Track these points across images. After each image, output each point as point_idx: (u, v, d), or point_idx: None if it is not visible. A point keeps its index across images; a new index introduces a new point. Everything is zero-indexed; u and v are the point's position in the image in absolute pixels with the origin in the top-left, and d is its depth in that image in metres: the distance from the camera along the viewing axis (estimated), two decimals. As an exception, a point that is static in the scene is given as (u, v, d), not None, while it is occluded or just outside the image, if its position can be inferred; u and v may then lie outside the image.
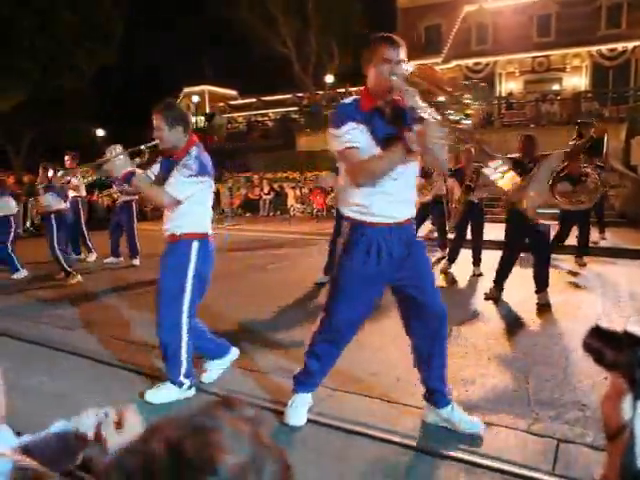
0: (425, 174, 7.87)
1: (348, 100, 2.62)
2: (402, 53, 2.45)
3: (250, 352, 4.16)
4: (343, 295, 2.70)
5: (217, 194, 17.37)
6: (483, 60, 23.26)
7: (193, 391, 3.35)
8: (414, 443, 2.73)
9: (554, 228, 7.22)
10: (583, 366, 3.55)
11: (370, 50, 2.49)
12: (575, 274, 7.09)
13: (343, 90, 21.89)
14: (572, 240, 7.67)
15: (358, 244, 2.59)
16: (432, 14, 25.10)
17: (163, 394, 3.27)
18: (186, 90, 36.37)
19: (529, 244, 5.52)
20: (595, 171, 7.27)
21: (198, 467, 0.52)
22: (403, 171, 2.51)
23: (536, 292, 5.39)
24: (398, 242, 2.60)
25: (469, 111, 2.28)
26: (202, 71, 33.25)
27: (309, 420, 2.97)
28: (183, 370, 3.27)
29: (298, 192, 15.79)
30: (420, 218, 8.47)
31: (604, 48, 21.33)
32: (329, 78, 23.68)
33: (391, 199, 2.53)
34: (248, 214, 16.09)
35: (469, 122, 2.27)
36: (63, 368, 3.94)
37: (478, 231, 6.96)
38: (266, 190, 16.27)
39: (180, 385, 3.28)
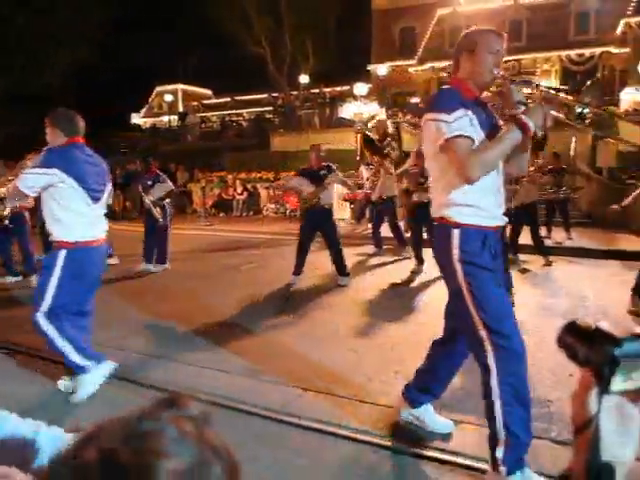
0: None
1: (448, 87, 2.42)
2: (504, 47, 2.31)
3: (220, 352, 4.13)
4: (499, 310, 2.27)
5: (189, 194, 17.22)
6: (456, 63, 23.55)
7: (107, 366, 3.35)
8: (386, 442, 2.74)
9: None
10: (547, 363, 3.63)
11: (472, 39, 2.31)
12: (541, 274, 7.23)
13: (317, 91, 21.91)
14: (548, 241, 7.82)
15: (482, 252, 2.27)
16: (407, 16, 25.30)
17: (81, 388, 3.26)
18: (159, 89, 36.01)
19: None
20: (537, 174, 7.57)
21: (134, 476, 0.50)
22: (498, 167, 2.32)
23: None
24: (501, 248, 2.40)
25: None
26: (176, 70, 32.89)
27: (281, 421, 2.96)
28: (74, 356, 3.26)
29: (271, 192, 15.74)
30: (377, 218, 8.60)
31: (573, 53, 21.84)
32: (304, 78, 23.67)
33: (500, 199, 2.36)
34: (221, 214, 15.97)
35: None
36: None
37: (429, 231, 7.04)
38: (239, 190, 16.17)
39: (85, 370, 3.27)
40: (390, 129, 10.20)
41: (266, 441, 2.77)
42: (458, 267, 2.28)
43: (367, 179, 11.31)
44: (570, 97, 2.32)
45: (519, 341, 2.25)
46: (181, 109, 33.15)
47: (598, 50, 21.31)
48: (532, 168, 7.14)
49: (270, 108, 25.22)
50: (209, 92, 36.38)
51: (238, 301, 5.71)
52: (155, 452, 0.51)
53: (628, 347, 0.51)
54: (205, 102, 34.91)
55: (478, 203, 2.27)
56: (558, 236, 9.41)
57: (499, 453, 2.24)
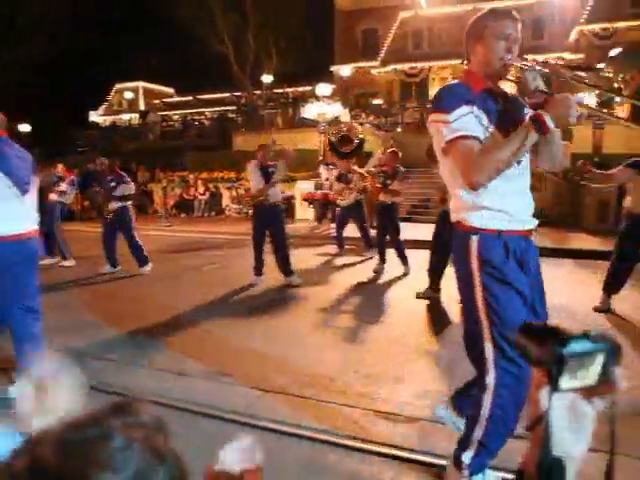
0: (343, 178, 8.09)
1: (453, 82, 2.15)
2: (519, 30, 2.03)
3: (180, 355, 4.05)
4: (506, 324, 2.03)
5: (150, 194, 16.91)
6: (418, 65, 23.89)
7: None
8: (345, 441, 2.74)
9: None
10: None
11: (478, 25, 2.06)
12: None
13: (281, 90, 21.85)
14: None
15: (505, 260, 2.04)
16: (369, 18, 25.50)
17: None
18: (119, 86, 35.19)
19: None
20: None
21: None
22: (525, 165, 2.08)
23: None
24: (532, 254, 2.12)
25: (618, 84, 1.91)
26: (137, 67, 32.22)
27: (240, 422, 2.92)
28: None
29: (234, 192, 15.60)
30: (342, 220, 8.65)
31: (530, 57, 22.40)
32: (267, 78, 23.57)
33: (525, 201, 2.11)
34: (183, 215, 15.73)
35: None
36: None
37: (394, 232, 7.14)
38: (201, 190, 15.96)
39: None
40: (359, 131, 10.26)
41: (225, 444, 2.72)
42: (476, 278, 2.06)
43: (326, 179, 11.36)
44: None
45: (526, 367, 2.01)
46: (142, 107, 32.51)
47: (553, 56, 21.96)
48: None
49: (233, 107, 24.99)
50: (171, 90, 35.80)
51: (199, 302, 5.63)
52: (95, 462, 0.48)
53: (574, 347, 0.53)
54: (167, 100, 34.33)
55: (498, 205, 2.02)
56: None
57: (466, 458, 2.18)
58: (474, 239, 2.06)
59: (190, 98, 31.77)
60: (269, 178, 6.36)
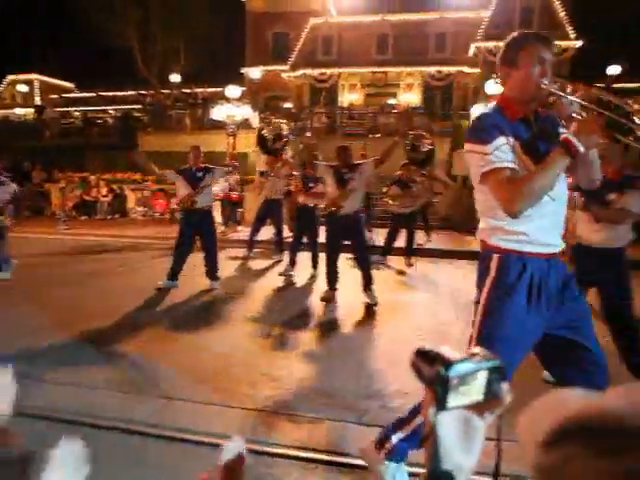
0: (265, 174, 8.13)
1: (489, 109, 2.12)
2: (553, 54, 2.01)
3: (80, 367, 3.83)
4: (505, 348, 2.04)
5: (47, 195, 15.84)
6: (328, 71, 24.33)
7: None
8: (252, 446, 2.73)
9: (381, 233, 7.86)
10: (404, 357, 3.87)
11: (513, 50, 2.02)
12: (403, 274, 7.73)
13: (189, 90, 21.34)
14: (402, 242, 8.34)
15: (518, 282, 2.06)
16: (281, 22, 25.59)
17: None
18: (11, 77, 32.66)
19: (351, 245, 5.84)
20: (423, 179, 8.15)
21: None
22: (560, 189, 2.06)
23: (363, 291, 5.77)
24: (555, 277, 2.10)
25: None
26: (33, 59, 30.09)
27: (144, 433, 2.82)
28: None
29: (139, 194, 15.00)
30: (260, 219, 8.63)
31: (433, 70, 23.62)
32: (175, 77, 22.92)
33: (549, 224, 2.07)
34: (84, 217, 14.88)
35: None
36: None
37: (311, 234, 7.24)
38: (104, 191, 15.19)
39: None
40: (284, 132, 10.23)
41: (127, 456, 2.62)
42: (486, 291, 2.12)
43: (225, 180, 11.29)
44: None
45: None
46: (38, 102, 30.41)
47: (454, 69, 23.28)
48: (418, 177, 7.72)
49: (138, 106, 24.01)
50: (71, 85, 33.79)
51: (99, 309, 5.35)
52: None
53: (458, 368, 0.57)
54: (66, 96, 32.34)
55: (522, 228, 2.03)
56: (419, 238, 10.09)
57: (395, 438, 2.25)
58: (495, 257, 2.10)
59: (92, 94, 30.16)
60: (197, 182, 6.20)
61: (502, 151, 1.94)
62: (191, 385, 3.47)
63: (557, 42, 20.83)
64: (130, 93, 26.65)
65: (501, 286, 2.08)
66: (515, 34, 2.05)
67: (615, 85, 18.13)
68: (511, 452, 0.73)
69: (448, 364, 0.57)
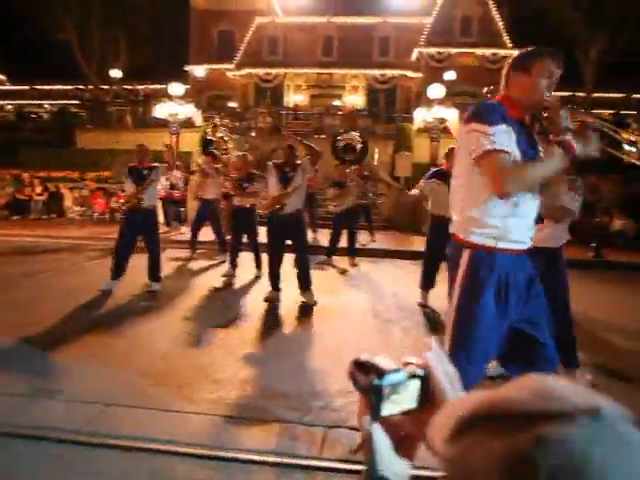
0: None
1: (493, 102, 2.24)
2: (559, 69, 2.15)
3: (11, 374, 3.66)
4: (478, 348, 2.13)
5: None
6: (273, 71, 24.27)
7: None
8: (195, 450, 2.70)
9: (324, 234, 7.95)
10: (347, 357, 3.93)
11: (529, 59, 2.15)
12: (347, 274, 7.84)
13: (130, 87, 20.71)
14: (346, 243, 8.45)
15: (487, 278, 2.12)
16: (226, 20, 25.28)
17: None
18: None
19: (292, 245, 5.86)
20: (356, 178, 8.37)
21: None
22: (535, 194, 2.19)
23: (300, 292, 5.80)
24: (523, 273, 2.20)
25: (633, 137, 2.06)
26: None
27: (81, 442, 2.73)
28: None
29: (77, 194, 14.43)
30: (198, 220, 8.53)
31: (377, 73, 24.02)
32: (115, 73, 22.19)
33: (524, 224, 2.18)
34: (16, 217, 14.16)
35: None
36: None
37: (251, 235, 7.23)
38: (39, 190, 14.52)
39: None
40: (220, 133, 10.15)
41: (64, 467, 2.54)
42: (458, 287, 2.19)
43: (166, 179, 11.10)
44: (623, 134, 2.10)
45: (473, 381, 2.15)
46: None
47: (397, 72, 23.77)
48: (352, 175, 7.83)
49: (77, 102, 23.08)
50: (2, 77, 32.04)
51: (33, 313, 5.12)
52: None
53: (391, 378, 0.59)
54: (-4, 88, 30.67)
55: (497, 223, 2.13)
56: (363, 239, 10.24)
57: None
58: (466, 252, 2.18)
59: (26, 87, 28.72)
60: (143, 180, 6.06)
61: (505, 137, 2.05)
62: (130, 389, 3.39)
63: (495, 50, 21.69)
64: (68, 87, 25.57)
65: (471, 283, 2.15)
66: (534, 47, 2.20)
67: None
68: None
69: (382, 374, 0.60)
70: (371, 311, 5.65)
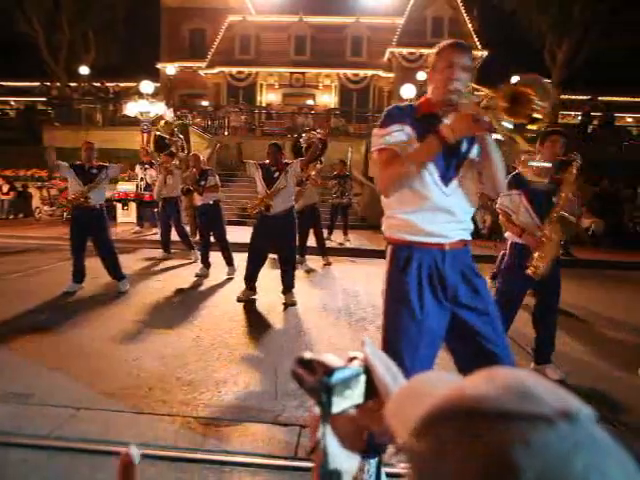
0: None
1: (402, 103, 2.31)
2: (468, 59, 2.15)
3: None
4: (407, 348, 2.11)
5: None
6: (246, 70, 24.13)
7: None
8: (167, 452, 2.67)
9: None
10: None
11: (434, 55, 2.20)
12: (321, 273, 7.85)
13: (99, 84, 20.30)
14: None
15: (406, 270, 2.13)
16: (197, 18, 25.03)
17: None
18: None
19: (278, 246, 5.85)
20: (312, 177, 8.39)
21: None
22: (456, 188, 2.16)
23: (282, 292, 5.79)
24: (454, 267, 2.16)
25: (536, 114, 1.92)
26: None
27: (50, 447, 2.67)
28: None
29: (45, 193, 14.10)
30: (165, 221, 8.43)
31: (349, 72, 24.10)
32: (84, 69, 21.74)
33: (441, 218, 2.14)
34: (-19, 217, 13.79)
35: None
36: None
37: (218, 232, 7.18)
38: (5, 189, 14.15)
39: None
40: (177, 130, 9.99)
41: (31, 474, 2.48)
42: (385, 281, 2.21)
43: (141, 179, 10.94)
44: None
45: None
46: None
47: (370, 72, 23.90)
48: (313, 172, 7.74)
49: (44, 99, 22.50)
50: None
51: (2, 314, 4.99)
52: None
53: (338, 375, 0.59)
54: (-41, 84, 29.73)
55: (411, 217, 2.15)
56: (338, 238, 10.27)
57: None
58: (389, 249, 2.24)
59: (-10, 84, 27.93)
60: (89, 179, 5.92)
61: (392, 136, 2.11)
62: (101, 393, 3.33)
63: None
64: (34, 84, 24.91)
65: (393, 278, 2.18)
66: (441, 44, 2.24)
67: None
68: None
69: (330, 371, 0.59)
70: (345, 310, 5.67)
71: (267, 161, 5.78)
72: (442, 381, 0.51)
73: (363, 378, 0.62)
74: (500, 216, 4.02)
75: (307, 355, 0.61)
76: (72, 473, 2.49)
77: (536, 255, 3.64)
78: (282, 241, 5.75)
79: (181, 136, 9.05)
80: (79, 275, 6.04)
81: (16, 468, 2.49)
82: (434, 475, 0.43)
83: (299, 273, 7.67)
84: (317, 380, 0.59)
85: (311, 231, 8.08)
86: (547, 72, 20.75)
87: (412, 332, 2.12)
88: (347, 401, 0.60)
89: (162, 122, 8.38)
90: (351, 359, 0.63)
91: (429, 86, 2.26)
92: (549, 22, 19.68)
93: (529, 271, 3.61)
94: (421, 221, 2.13)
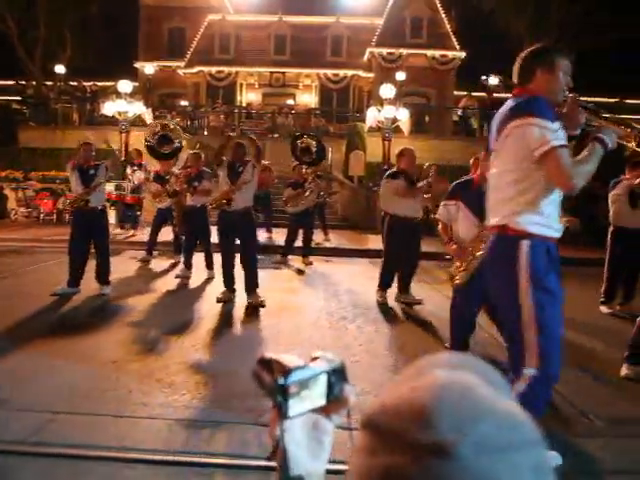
0: (159, 180, 7.87)
1: (540, 96, 2.31)
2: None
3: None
4: (550, 333, 2.29)
5: None
6: (226, 69, 23.99)
7: None
8: (147, 455, 2.65)
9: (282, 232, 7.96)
10: (303, 357, 3.95)
11: (550, 57, 2.32)
12: (302, 272, 7.86)
13: (76, 83, 20.00)
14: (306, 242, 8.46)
15: (549, 264, 2.30)
16: (176, 17, 24.81)
17: None
18: None
19: (240, 243, 5.80)
20: (314, 179, 8.40)
21: None
22: None
23: (246, 292, 5.73)
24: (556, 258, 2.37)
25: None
26: None
27: (27, 453, 2.64)
28: None
29: (21, 194, 13.85)
30: (158, 224, 8.34)
31: (330, 72, 24.13)
32: (60, 68, 21.37)
33: (559, 212, 2.39)
34: (-46, 218, 13.48)
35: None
36: None
37: (203, 235, 7.15)
38: (-21, 191, 13.88)
39: None
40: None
41: (6, 479, 2.44)
42: (523, 283, 2.26)
43: (129, 180, 10.81)
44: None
45: (557, 367, 2.33)
46: None
47: (350, 72, 23.96)
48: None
49: (18, 98, 22.07)
50: None
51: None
52: None
53: (296, 375, 0.57)
54: None
55: (549, 213, 2.30)
56: (318, 237, 10.28)
57: None
58: (524, 243, 2.26)
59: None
60: (89, 181, 5.85)
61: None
62: (79, 397, 3.29)
63: (443, 52, 22.20)
64: (8, 83, 24.43)
65: (535, 270, 2.26)
66: (549, 46, 2.49)
67: (495, 95, 19.61)
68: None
69: (287, 372, 0.57)
70: (326, 309, 5.68)
71: (230, 158, 5.79)
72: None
73: (324, 378, 0.60)
74: (439, 225, 4.24)
75: (267, 355, 0.60)
76: (48, 478, 2.46)
77: (457, 264, 3.78)
78: (243, 239, 5.74)
79: (183, 135, 8.88)
80: (75, 279, 5.91)
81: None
82: (350, 474, 0.44)
83: (284, 272, 7.68)
84: (273, 380, 0.57)
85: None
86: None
87: (559, 316, 2.34)
88: (306, 403, 0.59)
89: (148, 130, 8.10)
90: (314, 359, 0.61)
91: (534, 84, 2.33)
92: (526, 23, 19.95)
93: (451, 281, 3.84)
94: (554, 218, 2.32)
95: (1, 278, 6.89)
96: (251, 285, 5.69)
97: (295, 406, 0.57)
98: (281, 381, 0.57)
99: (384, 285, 5.96)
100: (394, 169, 6.03)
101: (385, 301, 5.90)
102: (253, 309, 5.56)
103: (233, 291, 5.84)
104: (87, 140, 6.49)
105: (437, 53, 22.41)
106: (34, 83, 22.34)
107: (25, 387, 3.42)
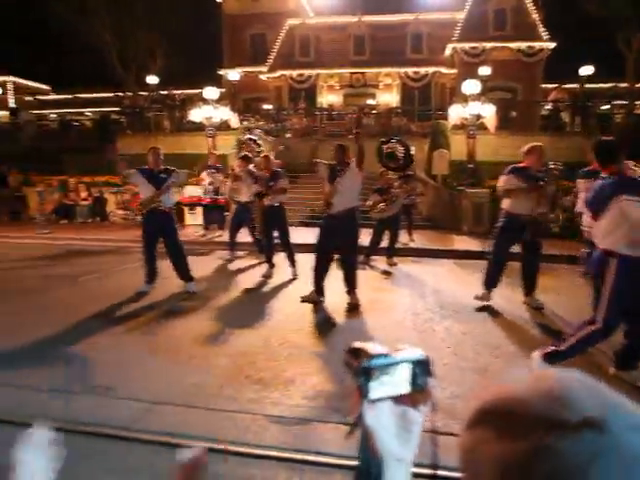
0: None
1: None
2: None
3: (64, 373, 3.80)
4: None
5: (24, 199, 15.58)
6: (306, 72, 24.33)
7: None
8: (237, 448, 2.74)
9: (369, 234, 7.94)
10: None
11: None
12: (387, 273, 7.79)
13: (166, 92, 21.13)
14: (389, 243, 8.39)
15: (632, 275, 3.44)
16: (258, 23, 25.51)
17: None
18: (-17, 80, 31.95)
19: (339, 245, 5.77)
20: (401, 185, 8.31)
21: None
22: None
23: (347, 293, 5.76)
24: None
25: None
26: (7, 60, 29.42)
27: (130, 439, 2.81)
28: None
29: (119, 197, 14.82)
30: (236, 224, 8.60)
31: (410, 70, 23.77)
32: (152, 79, 22.69)
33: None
34: (64, 221, 14.66)
35: None
36: None
37: (282, 234, 7.26)
38: (83, 195, 14.99)
39: None
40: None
41: (115, 464, 2.61)
42: (610, 278, 3.50)
43: (210, 183, 11.21)
44: None
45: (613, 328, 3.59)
46: (12, 104, 29.81)
47: (431, 69, 23.48)
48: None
49: (116, 108, 23.69)
50: (47, 87, 33.19)
51: (74, 315, 5.28)
52: None
53: (379, 360, 0.62)
54: (42, 98, 31.79)
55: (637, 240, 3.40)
56: (403, 238, 10.14)
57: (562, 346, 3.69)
58: (615, 261, 3.47)
59: (69, 96, 29.69)
60: (159, 184, 6.14)
61: None
62: (175, 389, 3.46)
63: (530, 43, 21.15)
64: (108, 95, 26.27)
65: (621, 279, 3.48)
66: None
67: (588, 85, 18.43)
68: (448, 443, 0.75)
69: (370, 357, 0.62)
70: (412, 310, 5.59)
71: (333, 162, 5.78)
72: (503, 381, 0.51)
73: (407, 367, 0.63)
74: None
75: (355, 344, 0.66)
76: (151, 467, 2.60)
77: None
78: (343, 241, 5.68)
79: (258, 140, 9.22)
80: (151, 276, 6.29)
81: (93, 457, 2.63)
82: (470, 469, 0.46)
83: (368, 273, 7.66)
84: (358, 364, 0.62)
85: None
86: (621, 61, 19.67)
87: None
88: (387, 388, 0.62)
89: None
90: (397, 350, 0.65)
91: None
92: (622, 4, 18.48)
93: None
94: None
95: (96, 278, 7.39)
96: (350, 286, 5.69)
97: (376, 389, 0.62)
98: (364, 364, 0.62)
99: (489, 285, 5.66)
100: (517, 165, 5.59)
101: (487, 302, 5.64)
102: (338, 309, 5.57)
103: (321, 294, 5.82)
104: (154, 146, 6.69)
105: (523, 45, 21.35)
106: (130, 94, 23.87)
107: (125, 378, 3.66)
